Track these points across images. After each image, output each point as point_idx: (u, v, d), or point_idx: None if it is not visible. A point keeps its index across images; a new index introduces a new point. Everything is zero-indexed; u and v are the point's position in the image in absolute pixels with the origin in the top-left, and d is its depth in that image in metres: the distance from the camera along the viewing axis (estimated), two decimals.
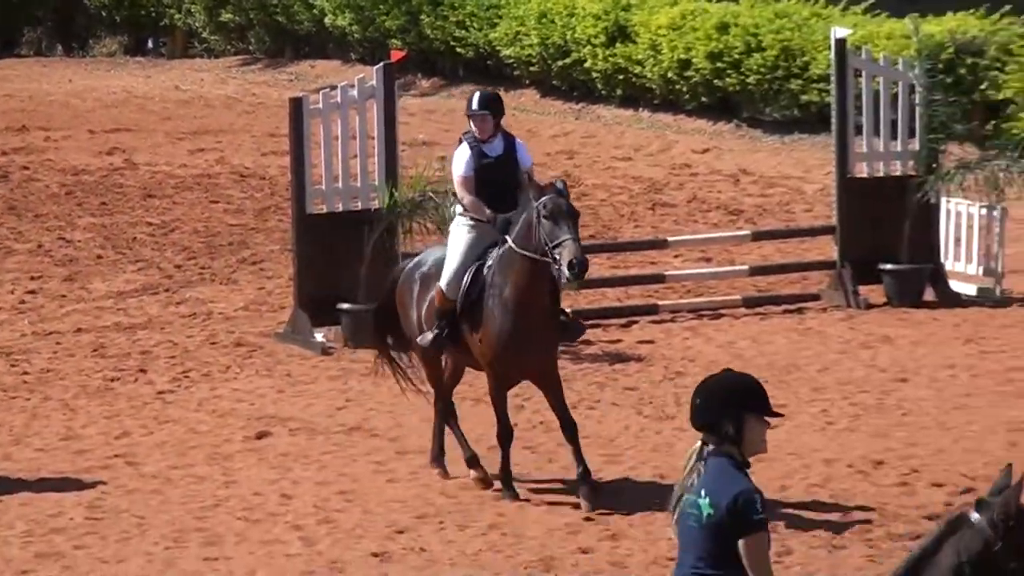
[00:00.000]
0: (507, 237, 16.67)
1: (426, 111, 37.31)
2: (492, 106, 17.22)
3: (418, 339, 18.07)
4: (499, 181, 16.64)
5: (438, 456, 18.91)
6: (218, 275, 27.32)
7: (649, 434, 20.37)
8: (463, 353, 18.19)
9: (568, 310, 18.68)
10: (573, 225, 16.22)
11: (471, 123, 17.25)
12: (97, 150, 35.28)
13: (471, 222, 17.17)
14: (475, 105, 17.14)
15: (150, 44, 46.10)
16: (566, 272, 16.16)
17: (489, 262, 17.14)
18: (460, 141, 17.51)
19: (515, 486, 18.18)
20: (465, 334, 17.64)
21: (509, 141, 17.19)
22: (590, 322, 24.35)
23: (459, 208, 17.56)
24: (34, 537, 17.74)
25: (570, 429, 17.82)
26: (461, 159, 17.12)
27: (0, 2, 46.49)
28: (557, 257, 16.16)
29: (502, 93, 37.70)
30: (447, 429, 18.92)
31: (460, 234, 16.95)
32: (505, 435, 18.05)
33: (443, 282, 17.26)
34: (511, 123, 36.24)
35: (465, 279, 17.13)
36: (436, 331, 17.49)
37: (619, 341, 24.00)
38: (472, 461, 18.56)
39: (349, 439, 20.43)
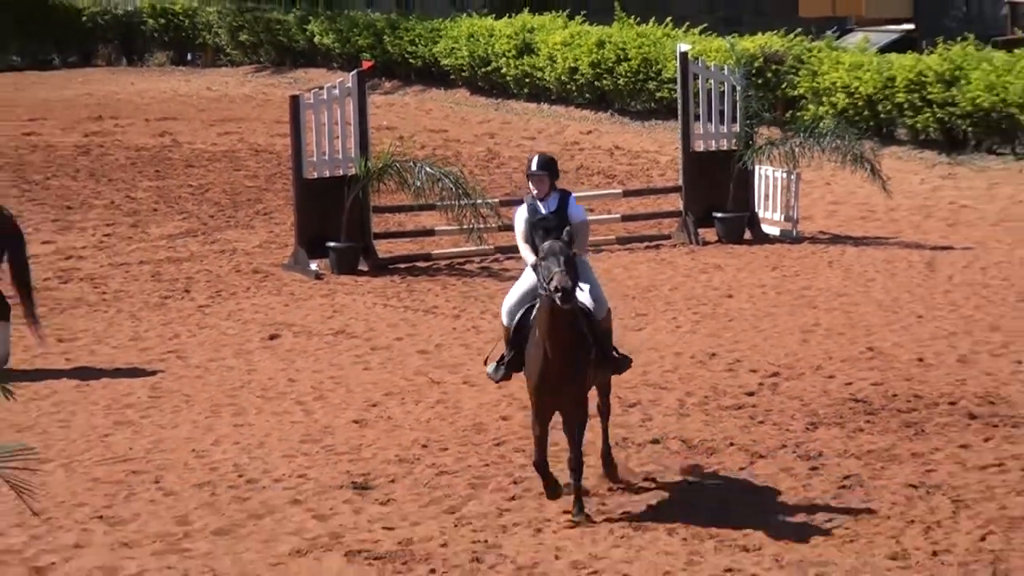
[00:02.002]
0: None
1: (388, 104, 37.17)
2: (549, 167, 14.48)
3: (487, 370, 15.01)
4: (552, 232, 14.15)
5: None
6: (240, 222, 27.26)
7: None
8: None
9: (618, 349, 14.98)
10: (562, 260, 13.52)
11: (530, 182, 14.49)
12: (152, 133, 35.13)
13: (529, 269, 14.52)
14: (534, 167, 14.48)
15: (189, 57, 45.81)
16: (556, 298, 13.47)
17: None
18: (523, 201, 14.75)
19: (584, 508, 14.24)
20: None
21: (564, 197, 14.52)
22: (509, 257, 24.40)
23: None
24: (112, 410, 17.71)
25: (576, 467, 14.22)
26: (520, 216, 14.47)
27: (82, 28, 46.08)
28: (551, 288, 13.53)
29: (443, 93, 38.08)
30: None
31: (522, 277, 14.62)
32: (537, 463, 14.41)
33: (502, 316, 14.77)
34: (450, 115, 36.42)
35: (518, 314, 14.45)
36: (498, 362, 14.70)
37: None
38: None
39: (336, 339, 20.43)
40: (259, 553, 13.70)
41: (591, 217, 26.04)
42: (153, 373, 19.00)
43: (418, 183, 23.50)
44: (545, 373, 13.94)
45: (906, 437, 16.24)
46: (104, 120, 36.68)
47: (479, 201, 23.62)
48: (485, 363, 15.25)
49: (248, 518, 14.48)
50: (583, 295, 14.19)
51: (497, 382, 15.13)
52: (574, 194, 14.79)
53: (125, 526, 14.37)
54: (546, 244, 13.74)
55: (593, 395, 14.74)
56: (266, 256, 24.73)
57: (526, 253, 14.26)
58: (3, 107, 38.63)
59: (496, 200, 25.74)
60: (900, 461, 15.57)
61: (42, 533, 14.20)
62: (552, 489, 14.44)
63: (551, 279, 13.49)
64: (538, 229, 14.20)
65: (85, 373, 19.06)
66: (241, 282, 23.36)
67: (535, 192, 14.47)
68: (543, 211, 14.39)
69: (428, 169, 23.73)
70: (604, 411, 15.07)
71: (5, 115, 37.44)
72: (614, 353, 14.72)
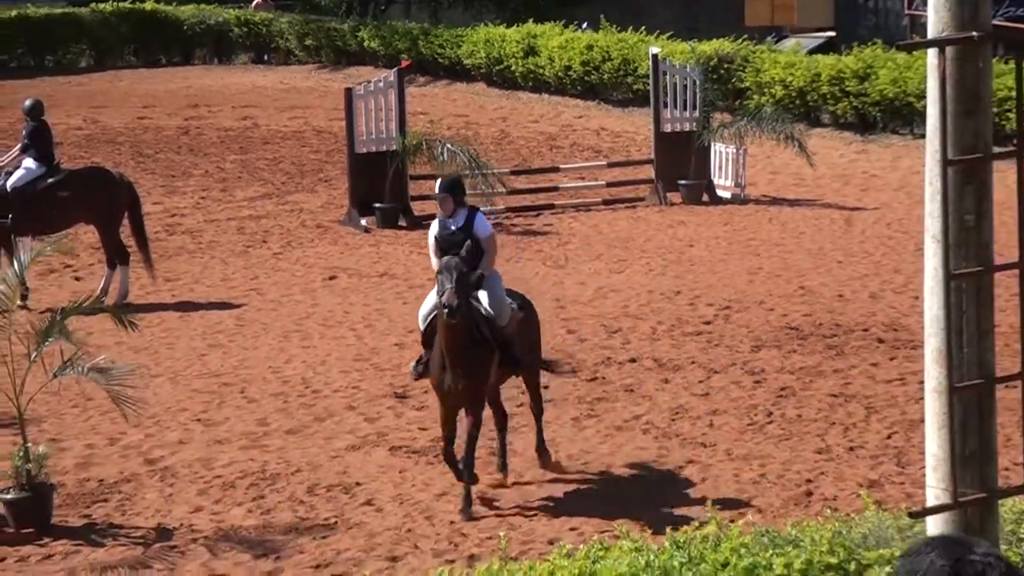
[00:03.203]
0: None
1: (421, 95, 37.00)
2: (451, 189, 12.49)
3: (410, 367, 13.40)
4: (457, 247, 12.08)
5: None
6: (305, 187, 27.14)
7: (549, 274, 20.36)
8: None
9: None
10: (454, 276, 11.74)
11: (437, 203, 12.66)
12: (236, 117, 34.97)
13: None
14: (437, 189, 12.69)
15: (265, 57, 45.54)
16: (444, 312, 11.80)
17: None
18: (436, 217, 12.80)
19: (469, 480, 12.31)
20: None
21: (471, 214, 12.48)
22: (518, 215, 24.34)
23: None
24: (207, 335, 17.67)
25: (466, 463, 12.21)
26: (431, 231, 12.55)
27: (183, 35, 45.91)
28: (441, 302, 11.85)
29: (465, 86, 37.96)
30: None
31: (436, 287, 12.17)
32: (444, 454, 12.46)
33: (418, 321, 12.85)
34: (470, 103, 36.29)
35: (429, 319, 12.49)
36: (417, 361, 12.78)
37: (531, 224, 23.92)
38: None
39: (380, 280, 20.35)
40: (321, 448, 13.69)
41: (580, 183, 26.18)
42: (238, 306, 18.96)
43: (443, 157, 23.47)
44: (443, 375, 12.13)
45: (829, 357, 16.21)
46: (200, 107, 36.54)
47: (488, 171, 23.62)
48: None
49: (313, 420, 14.47)
50: (485, 303, 12.33)
51: (416, 379, 13.15)
52: (481, 210, 12.85)
53: (217, 427, 14.36)
54: (443, 260, 11.96)
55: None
56: (326, 214, 24.64)
57: (435, 265, 12.27)
58: (123, 97, 38.51)
59: (506, 171, 25.75)
60: (824, 376, 15.55)
61: (154, 432, 14.20)
62: (459, 474, 12.30)
63: (443, 293, 11.79)
64: (445, 244, 12.25)
65: (186, 306, 19.02)
66: (306, 234, 23.27)
67: (441, 211, 12.48)
68: (451, 227, 12.38)
69: (449, 146, 23.70)
70: (535, 409, 13.09)
71: (124, 104, 37.32)
72: (517, 355, 12.62)
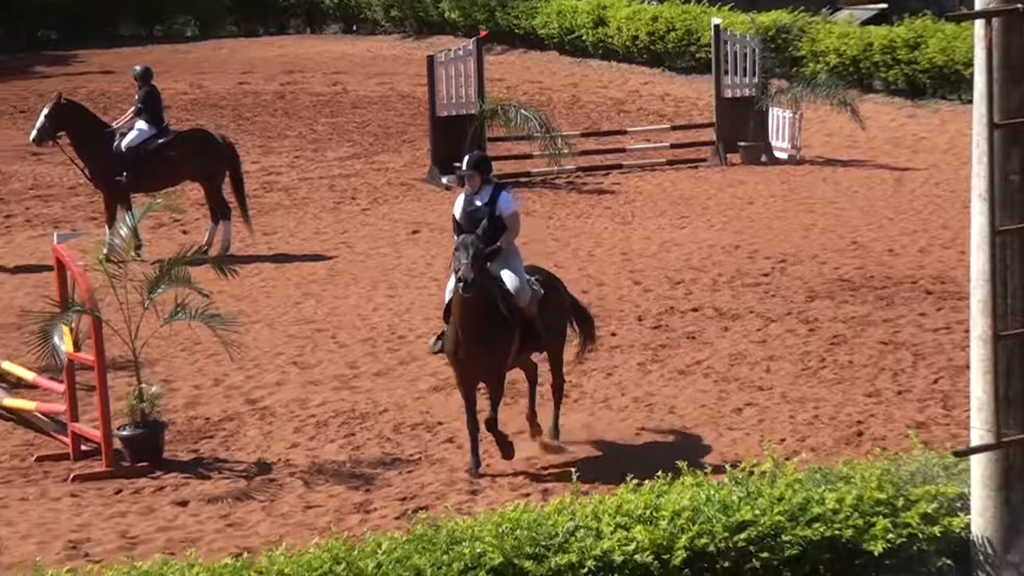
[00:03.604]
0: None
1: (498, 63, 36.86)
2: (479, 167, 11.76)
3: (429, 342, 12.74)
4: (480, 223, 11.43)
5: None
6: (391, 148, 27.13)
7: (617, 229, 20.32)
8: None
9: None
10: (471, 253, 11.08)
11: (464, 179, 11.91)
12: (327, 83, 35.02)
13: None
14: (465, 167, 11.83)
15: (354, 28, 45.51)
16: (459, 287, 11.18)
17: None
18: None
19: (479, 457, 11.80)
20: None
21: (496, 191, 11.74)
22: (587, 174, 24.27)
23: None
24: (301, 284, 17.77)
25: (490, 426, 11.65)
26: (456, 206, 11.91)
27: (278, 6, 45.99)
28: (457, 277, 11.23)
29: (539, 54, 37.81)
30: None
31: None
32: (469, 425, 11.81)
33: (444, 295, 12.12)
34: (544, 71, 36.16)
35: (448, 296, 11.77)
36: (438, 336, 11.91)
37: (600, 183, 23.84)
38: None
39: None
40: (406, 389, 13.77)
41: (646, 145, 26.04)
42: (330, 258, 19.04)
43: (516, 120, 23.42)
44: (457, 350, 11.47)
45: (879, 307, 16.10)
46: (294, 74, 36.58)
47: (556, 134, 23.55)
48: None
49: (399, 364, 14.54)
50: (507, 281, 11.60)
51: (434, 353, 12.47)
52: (507, 191, 11.92)
53: (311, 369, 14.47)
54: (460, 237, 11.31)
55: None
56: (410, 173, 24.64)
57: (456, 241, 11.57)
58: (224, 65, 38.62)
59: (577, 133, 25.68)
60: (875, 324, 15.45)
61: (254, 374, 14.33)
62: (499, 442, 11.70)
63: (459, 268, 11.15)
64: (467, 220, 11.61)
65: (281, 258, 19.13)
66: (392, 192, 23.30)
67: (468, 187, 11.78)
68: (477, 203, 11.70)
69: (523, 111, 23.63)
70: (555, 389, 12.30)
71: (225, 70, 37.43)
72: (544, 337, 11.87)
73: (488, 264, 11.49)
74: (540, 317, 11.85)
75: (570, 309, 12.59)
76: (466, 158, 11.99)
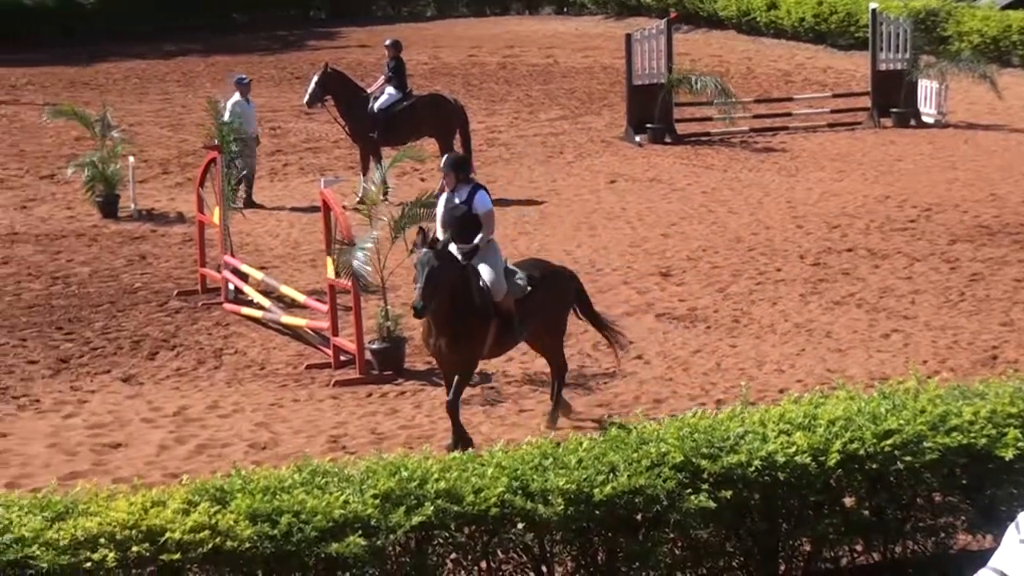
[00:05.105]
0: None
1: (685, 41, 36.23)
2: (454, 167, 10.47)
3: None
4: (458, 219, 10.28)
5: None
6: (593, 111, 26.86)
7: (783, 182, 19.90)
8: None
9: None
10: (425, 273, 9.80)
11: (443, 177, 10.68)
12: (541, 56, 34.82)
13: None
14: (442, 165, 10.79)
15: (564, 9, 45.22)
16: (412, 311, 10.10)
17: None
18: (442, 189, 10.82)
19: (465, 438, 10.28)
20: None
21: (474, 190, 10.47)
22: (759, 135, 23.78)
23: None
24: (517, 225, 17.68)
25: (449, 410, 10.21)
26: (440, 203, 10.61)
27: None
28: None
29: (719, 33, 37.14)
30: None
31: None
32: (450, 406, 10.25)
33: None
34: (723, 47, 35.50)
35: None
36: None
37: (769, 142, 23.36)
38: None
39: (650, 184, 20.07)
40: (603, 314, 13.72)
41: (809, 110, 25.41)
42: (541, 203, 19.04)
43: (698, 87, 23.10)
44: (431, 340, 10.27)
45: (1014, 250, 15.54)
46: (514, 48, 36.58)
47: (733, 100, 23.10)
48: None
49: (596, 292, 14.46)
50: (485, 275, 10.28)
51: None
52: (484, 190, 10.58)
53: None
54: (419, 254, 9.95)
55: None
56: (609, 132, 24.45)
57: (440, 235, 10.22)
58: (457, 40, 38.80)
59: (750, 100, 25.21)
60: (1010, 264, 14.92)
61: None
62: (461, 436, 10.23)
63: (414, 289, 10.06)
64: (450, 215, 10.39)
65: (500, 202, 18.79)
66: (593, 147, 23.16)
67: (446, 185, 10.56)
68: (456, 201, 10.40)
69: (704, 79, 23.30)
70: (554, 372, 10.83)
71: (458, 45, 37.61)
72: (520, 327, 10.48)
73: (470, 261, 10.29)
74: (542, 311, 10.63)
75: (573, 302, 11.12)
76: (444, 159, 10.90)
